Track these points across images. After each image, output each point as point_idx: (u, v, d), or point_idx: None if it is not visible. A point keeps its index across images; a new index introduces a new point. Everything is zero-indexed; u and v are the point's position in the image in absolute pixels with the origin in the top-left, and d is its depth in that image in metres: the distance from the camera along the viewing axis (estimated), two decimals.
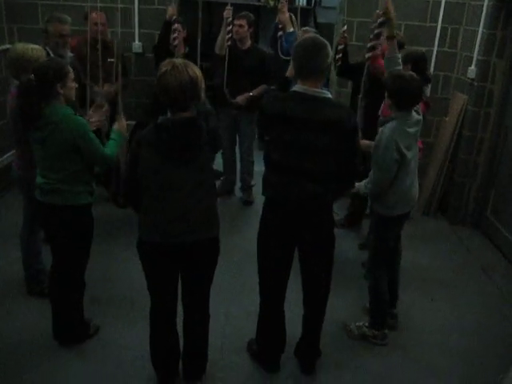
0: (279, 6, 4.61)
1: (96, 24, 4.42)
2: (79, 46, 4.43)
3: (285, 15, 4.60)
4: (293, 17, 4.98)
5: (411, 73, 3.17)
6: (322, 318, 3.04)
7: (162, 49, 4.65)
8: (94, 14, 4.50)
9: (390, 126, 3.08)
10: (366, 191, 3.23)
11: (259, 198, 2.85)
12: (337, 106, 2.71)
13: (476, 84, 4.89)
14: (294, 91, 2.67)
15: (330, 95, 2.69)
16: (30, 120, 2.83)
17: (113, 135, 3.10)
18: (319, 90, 2.63)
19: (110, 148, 3.02)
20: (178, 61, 2.44)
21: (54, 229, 3.04)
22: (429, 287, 4.10)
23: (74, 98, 2.96)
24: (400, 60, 3.32)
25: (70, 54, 4.06)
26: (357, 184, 3.22)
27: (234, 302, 3.70)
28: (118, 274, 3.96)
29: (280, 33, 4.92)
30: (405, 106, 3.08)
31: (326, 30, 6.72)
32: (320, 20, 8.13)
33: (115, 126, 3.14)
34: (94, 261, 3.23)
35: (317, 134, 2.60)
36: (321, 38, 2.68)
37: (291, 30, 4.74)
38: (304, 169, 2.65)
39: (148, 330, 2.81)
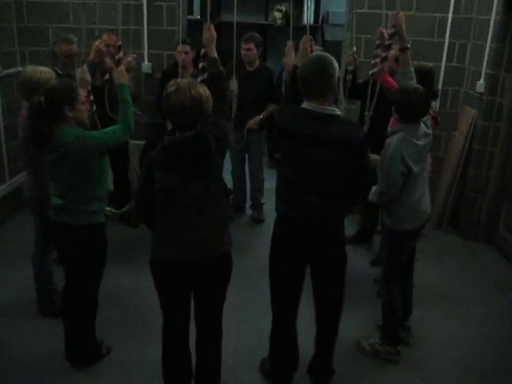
0: (286, 48, 4.15)
1: (108, 46, 4.47)
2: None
3: (291, 58, 4.08)
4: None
5: (415, 85, 3.18)
6: (335, 336, 3.02)
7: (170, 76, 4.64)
8: (104, 36, 4.55)
9: (396, 137, 3.09)
10: (373, 200, 3.22)
11: (270, 216, 2.85)
12: (345, 123, 2.71)
13: (485, 98, 4.89)
14: (303, 108, 2.69)
15: (338, 112, 2.70)
16: (41, 141, 2.86)
17: (119, 95, 3.07)
18: (328, 108, 2.64)
19: (123, 119, 3.02)
20: (183, 81, 2.48)
21: (67, 248, 3.05)
22: (441, 303, 4.06)
23: (86, 120, 2.99)
24: (413, 74, 3.34)
25: (79, 73, 4.08)
26: None
27: (246, 319, 3.68)
28: (130, 293, 3.96)
29: (285, 76, 4.71)
30: (411, 119, 3.10)
31: (334, 47, 6.75)
32: (327, 37, 8.17)
33: (116, 76, 3.12)
34: (106, 279, 3.23)
35: (324, 150, 2.60)
36: (327, 55, 2.69)
37: None
38: (310, 184, 2.66)
39: (161, 349, 2.81)
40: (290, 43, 3.90)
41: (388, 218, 3.24)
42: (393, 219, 3.21)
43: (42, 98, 2.83)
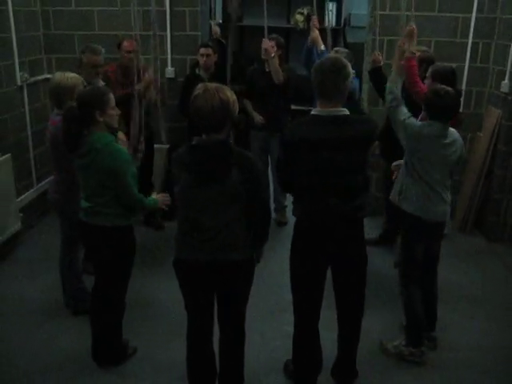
0: (311, 23, 4.75)
1: (128, 52, 4.54)
2: (115, 74, 4.58)
3: (314, 33, 4.70)
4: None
5: (446, 87, 3.19)
6: (357, 338, 3.02)
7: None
8: (125, 43, 4.61)
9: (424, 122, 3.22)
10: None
11: (293, 219, 2.86)
12: (361, 122, 2.75)
13: (510, 98, 4.83)
14: (313, 115, 2.71)
15: (347, 112, 2.69)
16: (72, 145, 2.93)
17: (150, 199, 3.13)
18: (339, 109, 2.66)
19: (147, 200, 3.08)
20: (211, 85, 2.52)
21: (96, 249, 3.11)
22: (467, 306, 4.02)
23: (116, 126, 3.04)
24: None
25: (101, 83, 4.17)
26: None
27: (269, 321, 3.70)
28: (156, 294, 4.01)
29: (315, 56, 4.87)
30: (439, 119, 3.15)
31: (356, 49, 6.73)
32: (349, 40, 8.16)
33: (155, 195, 3.20)
34: (131, 281, 3.27)
35: (341, 151, 2.63)
36: (341, 59, 2.70)
37: (322, 47, 4.75)
38: (328, 187, 2.68)
39: (185, 349, 2.83)
40: (314, 18, 4.69)
41: (400, 198, 3.28)
42: (404, 198, 3.25)
43: (75, 103, 2.91)
